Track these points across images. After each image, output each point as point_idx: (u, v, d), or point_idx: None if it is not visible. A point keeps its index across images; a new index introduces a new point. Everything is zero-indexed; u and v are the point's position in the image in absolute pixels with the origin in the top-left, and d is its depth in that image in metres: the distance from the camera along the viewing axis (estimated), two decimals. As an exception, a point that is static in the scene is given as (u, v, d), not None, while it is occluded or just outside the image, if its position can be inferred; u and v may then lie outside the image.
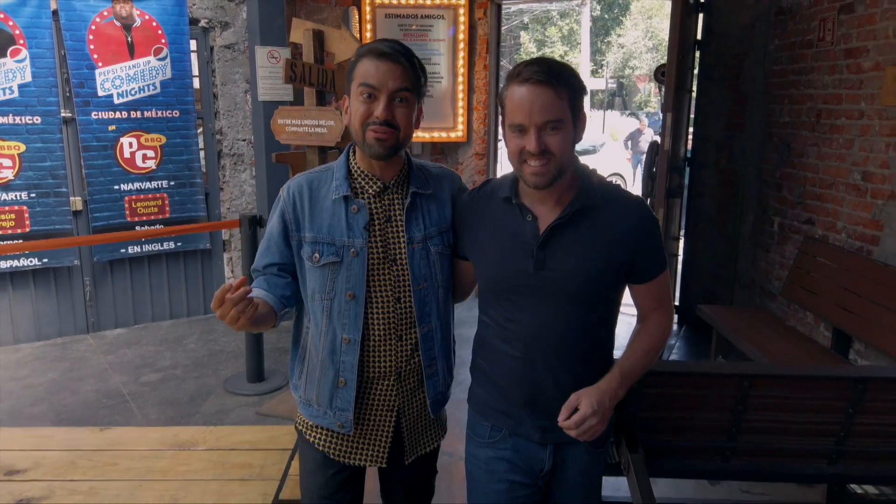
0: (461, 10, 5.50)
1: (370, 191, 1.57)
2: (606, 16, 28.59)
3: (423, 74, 1.57)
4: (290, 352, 1.71)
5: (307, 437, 1.67)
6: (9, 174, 4.39)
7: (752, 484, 2.95)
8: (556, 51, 27.65)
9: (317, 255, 1.55)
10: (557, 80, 1.38)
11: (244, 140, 5.25)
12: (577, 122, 1.45)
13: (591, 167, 1.57)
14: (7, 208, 4.41)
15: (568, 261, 1.47)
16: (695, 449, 2.05)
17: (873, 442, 1.99)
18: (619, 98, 29.72)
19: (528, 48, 27.89)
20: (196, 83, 5.05)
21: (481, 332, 1.63)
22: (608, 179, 1.57)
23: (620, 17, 28.40)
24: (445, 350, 1.69)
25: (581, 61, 26.41)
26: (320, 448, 1.65)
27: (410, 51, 1.55)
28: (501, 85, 1.51)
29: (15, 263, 4.49)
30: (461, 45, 5.56)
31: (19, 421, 3.49)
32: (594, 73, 28.34)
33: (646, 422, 1.96)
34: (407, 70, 1.50)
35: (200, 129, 5.15)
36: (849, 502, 2.62)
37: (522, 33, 27.83)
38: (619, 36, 28.51)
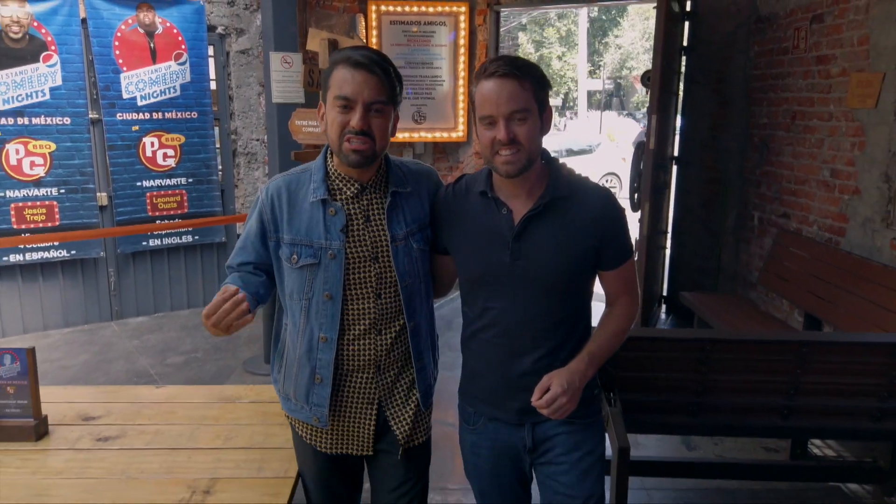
0: (462, 17, 5.82)
1: (348, 192, 1.60)
2: (604, 17, 28.89)
3: (398, 83, 1.57)
4: (271, 347, 1.76)
5: (296, 429, 1.73)
6: (40, 171, 4.71)
7: (724, 449, 3.29)
8: (554, 52, 27.96)
9: (295, 256, 1.58)
10: (521, 71, 1.47)
11: (257, 140, 5.58)
12: (543, 114, 1.53)
13: (560, 160, 1.65)
14: (39, 203, 4.73)
15: (541, 251, 1.55)
16: (667, 405, 2.38)
17: (818, 399, 2.32)
18: (616, 98, 30.07)
19: (527, 49, 28.19)
20: (213, 86, 5.36)
21: (464, 323, 1.71)
22: (579, 173, 1.66)
23: (618, 19, 28.72)
24: (431, 343, 1.74)
25: (579, 62, 26.77)
26: (308, 441, 1.70)
27: (386, 58, 1.56)
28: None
29: (45, 255, 4.81)
30: (462, 50, 5.88)
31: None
32: (592, 73, 28.71)
33: (624, 381, 2.29)
34: (382, 80, 1.51)
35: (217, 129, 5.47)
36: (809, 461, 2.96)
37: (521, 34, 28.08)
38: (616, 37, 28.84)
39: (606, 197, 1.59)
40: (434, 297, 1.78)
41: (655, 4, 4.42)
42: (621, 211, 1.61)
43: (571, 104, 29.61)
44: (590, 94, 28.96)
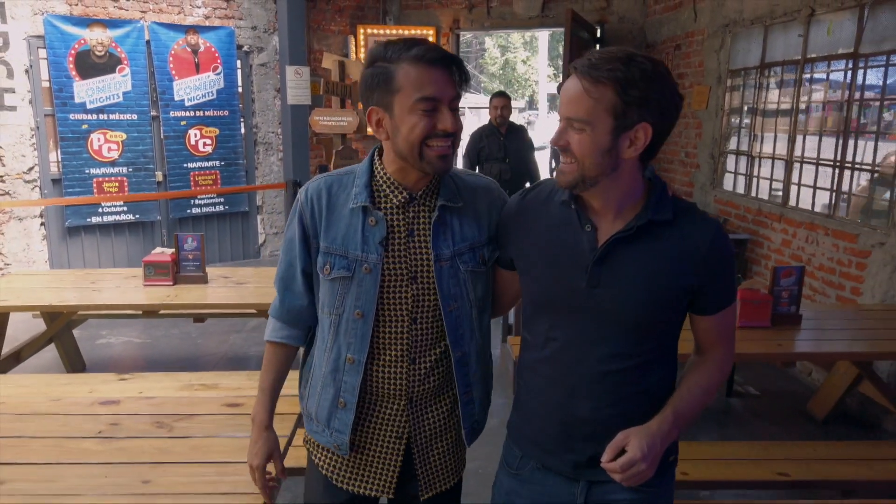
0: (430, 37, 7.53)
1: (394, 201, 1.42)
2: (564, 24, 30.78)
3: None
4: (301, 358, 1.61)
5: (312, 457, 1.59)
6: (115, 155, 6.29)
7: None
8: (519, 56, 29.88)
9: (327, 267, 1.42)
10: (598, 74, 1.17)
11: (273, 132, 7.22)
12: (624, 132, 1.21)
13: (664, 181, 1.36)
14: (114, 179, 6.31)
15: (626, 281, 1.29)
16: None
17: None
18: (575, 100, 31.89)
19: (493, 53, 30.09)
20: (240, 90, 6.99)
21: (522, 350, 1.48)
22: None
23: (577, 26, 30.67)
24: (483, 374, 1.55)
25: (540, 66, 28.72)
26: (323, 472, 1.55)
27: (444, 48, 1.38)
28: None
29: (117, 218, 6.39)
30: (430, 64, 7.58)
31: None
32: (552, 77, 30.67)
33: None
34: (458, 74, 1.36)
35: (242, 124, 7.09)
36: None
37: (487, 39, 29.88)
38: (576, 43, 30.79)
39: (716, 230, 1.32)
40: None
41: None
42: (731, 249, 1.37)
43: (535, 106, 31.56)
44: (552, 97, 30.89)
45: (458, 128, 1.35)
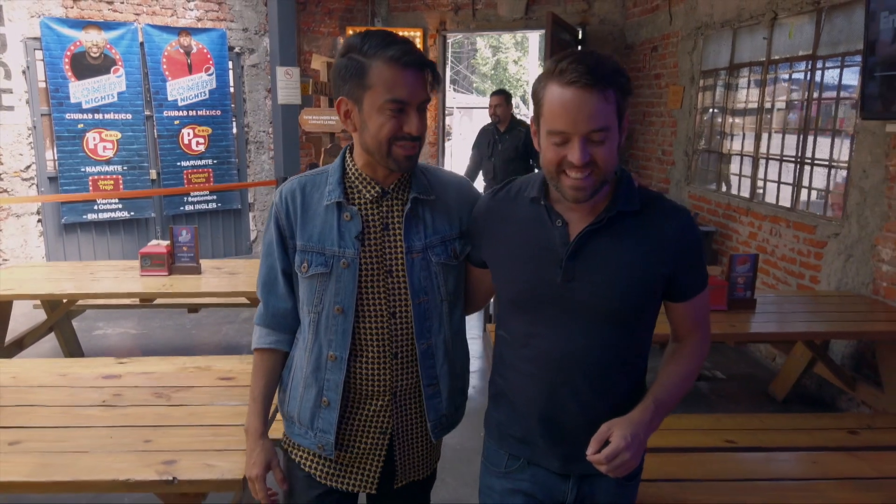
0: (417, 39, 7.72)
1: (367, 196, 1.45)
2: (555, 24, 30.99)
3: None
4: None
5: (291, 455, 1.58)
6: (110, 153, 6.46)
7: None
8: (510, 56, 30.09)
9: (305, 265, 1.44)
10: (605, 81, 1.20)
11: (264, 131, 7.41)
12: (622, 126, 1.27)
13: (630, 171, 1.38)
14: (109, 177, 6.48)
15: (600, 273, 1.31)
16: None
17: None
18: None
19: (484, 53, 30.28)
20: (231, 91, 7.17)
21: (499, 348, 1.49)
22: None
23: (567, 26, 30.90)
24: (451, 369, 1.55)
25: (530, 66, 28.96)
26: (305, 468, 1.55)
27: (419, 49, 1.41)
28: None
29: (112, 215, 6.56)
30: (418, 65, 7.78)
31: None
32: (543, 77, 30.95)
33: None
34: (428, 77, 1.38)
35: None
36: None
37: (478, 39, 30.06)
38: (566, 43, 31.02)
39: (685, 217, 1.36)
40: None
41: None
42: (700, 235, 1.40)
43: (526, 105, 31.80)
44: (542, 96, 31.06)
45: (423, 131, 1.39)
